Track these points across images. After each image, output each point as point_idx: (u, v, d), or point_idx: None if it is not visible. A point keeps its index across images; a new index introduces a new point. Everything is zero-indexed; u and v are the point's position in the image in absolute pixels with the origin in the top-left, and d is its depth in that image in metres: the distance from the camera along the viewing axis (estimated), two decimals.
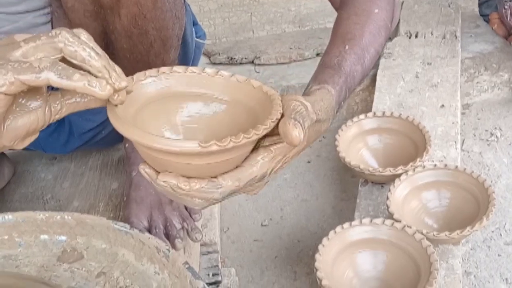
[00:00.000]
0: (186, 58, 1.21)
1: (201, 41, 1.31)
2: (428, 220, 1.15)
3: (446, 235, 1.05)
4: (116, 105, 0.61)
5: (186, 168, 0.62)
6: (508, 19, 1.76)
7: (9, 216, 0.74)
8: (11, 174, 1.30)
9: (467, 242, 1.27)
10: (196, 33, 1.29)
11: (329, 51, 0.83)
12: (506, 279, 1.20)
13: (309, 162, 1.57)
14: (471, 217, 1.10)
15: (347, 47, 0.82)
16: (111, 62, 0.60)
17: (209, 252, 1.15)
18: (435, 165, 1.18)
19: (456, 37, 1.76)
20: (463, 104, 1.68)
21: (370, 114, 1.34)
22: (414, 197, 1.16)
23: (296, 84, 1.67)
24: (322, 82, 0.77)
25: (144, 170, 0.65)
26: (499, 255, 1.25)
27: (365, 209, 1.21)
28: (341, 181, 1.49)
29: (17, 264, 0.72)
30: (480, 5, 1.90)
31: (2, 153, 1.27)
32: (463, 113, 1.66)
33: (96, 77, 0.58)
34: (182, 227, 1.08)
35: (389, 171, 1.19)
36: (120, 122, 0.61)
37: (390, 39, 1.75)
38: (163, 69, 0.67)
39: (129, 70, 1.00)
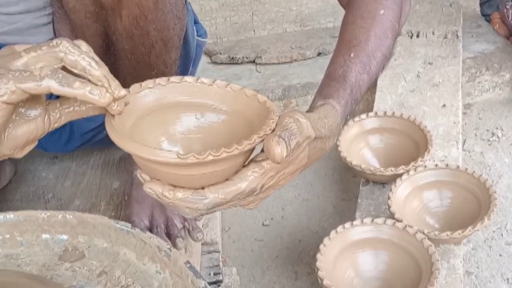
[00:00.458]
0: (187, 57, 1.21)
1: (202, 40, 1.31)
2: (429, 220, 1.15)
3: (447, 235, 1.05)
4: (113, 116, 0.61)
5: (174, 178, 0.63)
6: (510, 19, 1.76)
7: (10, 215, 0.74)
8: (12, 173, 1.30)
9: (468, 242, 1.27)
10: (197, 32, 1.29)
11: (334, 60, 0.82)
12: (507, 279, 1.20)
13: None
14: (472, 217, 1.11)
15: (352, 54, 0.81)
16: (110, 73, 0.61)
17: (210, 252, 1.15)
18: (437, 165, 1.18)
19: (457, 37, 1.75)
20: (464, 104, 1.68)
21: (371, 114, 1.34)
22: (415, 197, 1.16)
23: (297, 84, 1.67)
24: (327, 96, 0.76)
25: (140, 175, 0.66)
26: (500, 255, 1.25)
27: (366, 209, 1.21)
28: (342, 180, 1.49)
29: (19, 263, 0.73)
30: (481, 5, 1.90)
31: None
32: (464, 113, 1.66)
33: (96, 85, 0.59)
34: (183, 227, 1.08)
35: (390, 171, 1.19)
36: (113, 131, 0.62)
37: None
38: (159, 80, 0.67)
39: (131, 70, 1.01)
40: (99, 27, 0.95)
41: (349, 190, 1.46)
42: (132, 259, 0.72)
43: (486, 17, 1.88)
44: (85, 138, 1.25)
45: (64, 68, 0.60)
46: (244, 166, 0.65)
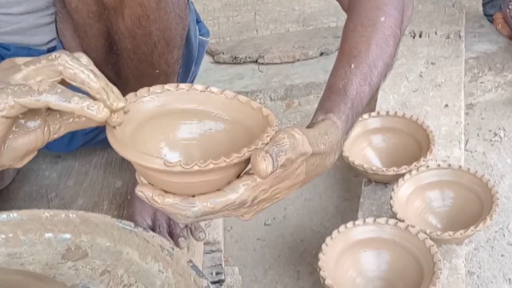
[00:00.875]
0: (189, 56, 1.21)
1: (204, 38, 1.31)
2: (431, 220, 1.15)
3: (449, 235, 1.05)
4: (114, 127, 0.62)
5: (165, 184, 0.63)
6: None
7: (14, 214, 0.74)
8: (15, 173, 1.30)
9: (470, 242, 1.27)
10: (199, 31, 1.29)
11: (335, 72, 0.81)
12: (509, 279, 1.20)
13: None
14: (474, 217, 1.11)
15: (352, 66, 0.79)
16: (109, 84, 0.61)
17: (212, 251, 1.15)
18: (439, 165, 1.18)
19: (460, 37, 1.75)
20: (467, 104, 1.67)
21: (374, 114, 1.34)
22: (417, 197, 1.16)
23: (299, 84, 1.67)
24: (328, 111, 0.75)
25: (139, 177, 0.66)
26: (502, 255, 1.25)
27: (368, 209, 1.21)
28: (344, 180, 1.49)
29: (22, 262, 0.73)
30: (484, 5, 1.90)
31: None
32: (466, 113, 1.65)
33: (95, 98, 0.60)
34: (186, 226, 1.08)
35: (392, 171, 1.19)
36: (111, 135, 0.62)
37: None
38: (156, 87, 0.67)
39: (133, 70, 1.01)
40: (102, 26, 0.96)
41: (351, 189, 1.46)
42: (134, 258, 0.72)
43: (489, 17, 1.88)
44: (88, 137, 1.25)
45: (63, 81, 0.60)
46: (237, 178, 0.65)
